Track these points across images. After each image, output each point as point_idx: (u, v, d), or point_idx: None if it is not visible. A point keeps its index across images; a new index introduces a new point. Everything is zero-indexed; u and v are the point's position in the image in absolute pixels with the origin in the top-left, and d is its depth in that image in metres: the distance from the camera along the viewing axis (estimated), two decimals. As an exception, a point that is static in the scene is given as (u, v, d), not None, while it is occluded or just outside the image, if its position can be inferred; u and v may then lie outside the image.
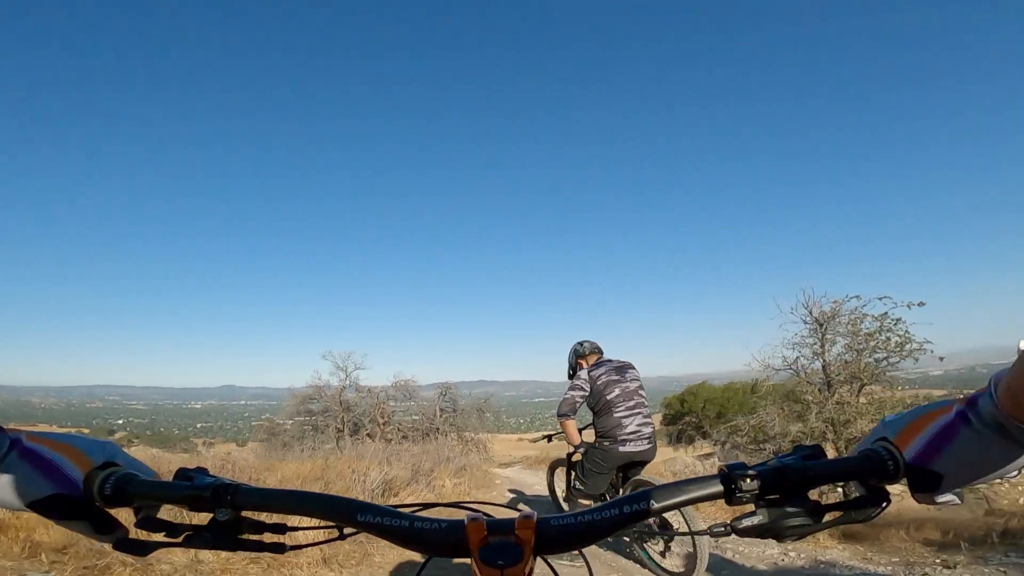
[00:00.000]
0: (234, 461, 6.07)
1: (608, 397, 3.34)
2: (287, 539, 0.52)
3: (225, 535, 0.48)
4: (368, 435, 16.93)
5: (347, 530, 0.50)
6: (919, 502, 0.48)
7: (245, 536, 0.49)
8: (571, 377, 3.79)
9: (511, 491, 7.46)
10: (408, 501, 5.13)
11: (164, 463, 4.94)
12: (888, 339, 6.56)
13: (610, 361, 3.58)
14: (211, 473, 0.51)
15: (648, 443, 3.32)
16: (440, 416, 18.07)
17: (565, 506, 4.33)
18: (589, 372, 3.48)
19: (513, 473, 11.31)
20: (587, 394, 3.43)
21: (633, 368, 3.55)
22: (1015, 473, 0.44)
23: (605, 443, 3.32)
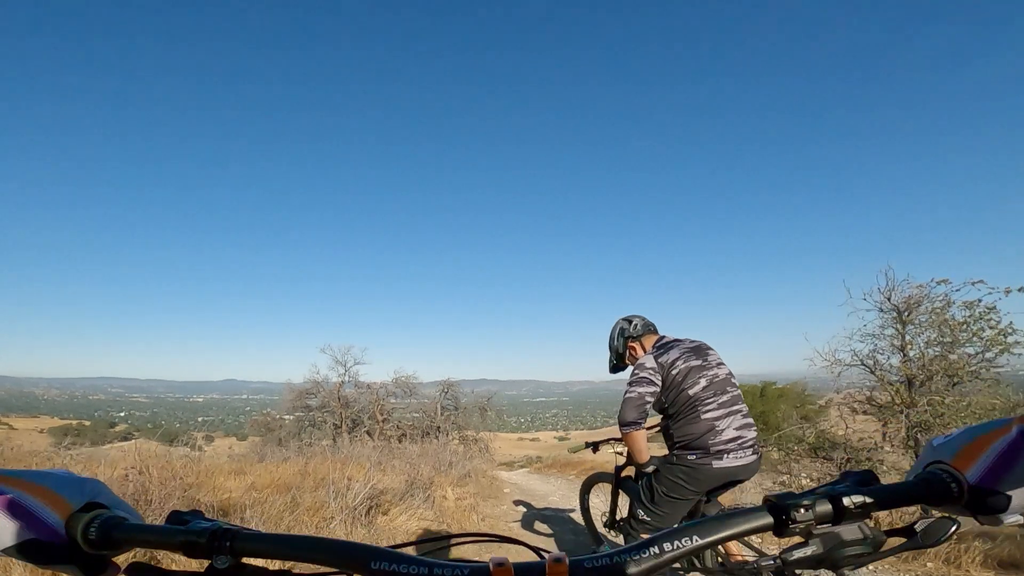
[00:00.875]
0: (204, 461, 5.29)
1: (691, 392, 2.23)
2: None
3: None
4: (367, 432, 16.52)
5: None
6: (983, 524, 0.47)
7: None
8: (616, 367, 2.68)
9: (521, 503, 6.37)
10: (400, 520, 4.18)
11: (162, 460, 3.96)
12: (982, 329, 5.42)
13: (678, 341, 2.43)
14: (206, 517, 0.49)
15: (753, 453, 2.19)
16: (441, 414, 17.57)
17: (608, 535, 3.22)
18: (656, 358, 2.33)
19: (520, 479, 10.29)
20: (659, 390, 2.31)
21: (712, 349, 2.42)
22: None
23: (691, 457, 2.20)
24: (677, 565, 2.37)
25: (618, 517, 3.07)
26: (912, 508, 0.49)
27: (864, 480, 0.47)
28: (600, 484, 3.34)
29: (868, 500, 0.45)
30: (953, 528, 0.47)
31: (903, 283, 5.74)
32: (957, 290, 5.56)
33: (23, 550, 0.45)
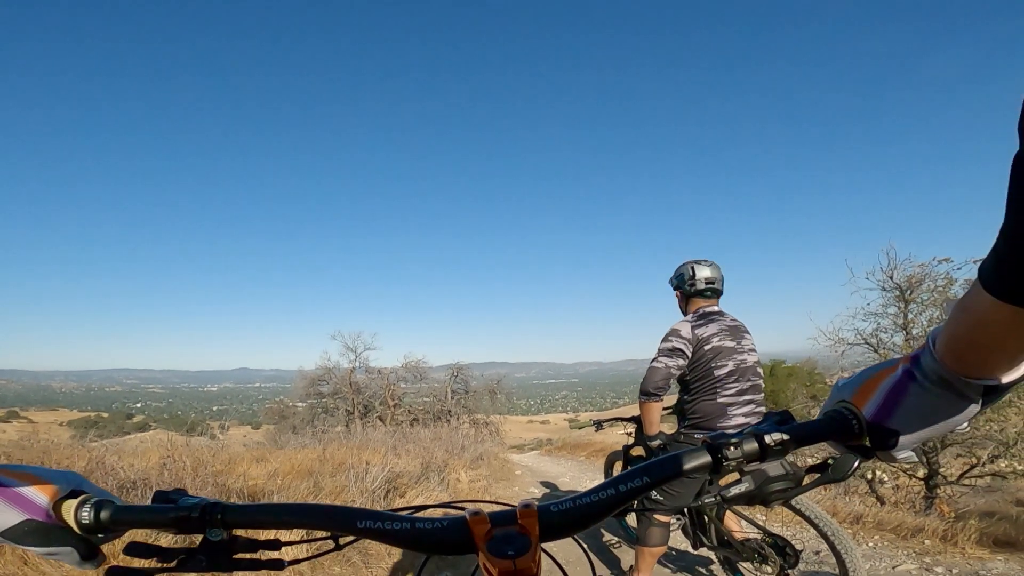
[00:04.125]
0: (228, 449, 5.47)
1: (717, 372, 2.24)
2: (284, 554, 0.36)
3: (220, 556, 0.47)
4: (379, 418, 16.74)
5: (344, 539, 0.50)
6: (881, 460, 0.49)
7: (240, 555, 0.48)
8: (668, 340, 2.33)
9: (532, 484, 6.57)
10: (417, 501, 4.35)
11: (191, 449, 4.15)
12: (984, 306, 5.47)
13: (721, 315, 2.36)
14: (190, 494, 0.50)
15: None
16: (452, 398, 17.73)
17: (631, 521, 3.31)
18: (693, 327, 2.29)
19: (531, 461, 10.48)
20: (687, 363, 2.28)
21: (748, 333, 2.39)
22: (964, 425, 0.45)
23: (698, 436, 2.25)
24: (676, 522, 2.49)
25: None
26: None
27: (783, 420, 0.51)
28: (619, 461, 3.46)
29: (785, 437, 0.48)
30: (856, 463, 0.51)
31: (905, 262, 5.77)
32: (959, 268, 5.60)
33: (19, 533, 0.45)
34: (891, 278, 5.79)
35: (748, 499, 0.52)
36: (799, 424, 0.50)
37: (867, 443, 0.49)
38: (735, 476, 0.50)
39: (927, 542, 3.23)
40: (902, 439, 0.46)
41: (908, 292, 5.74)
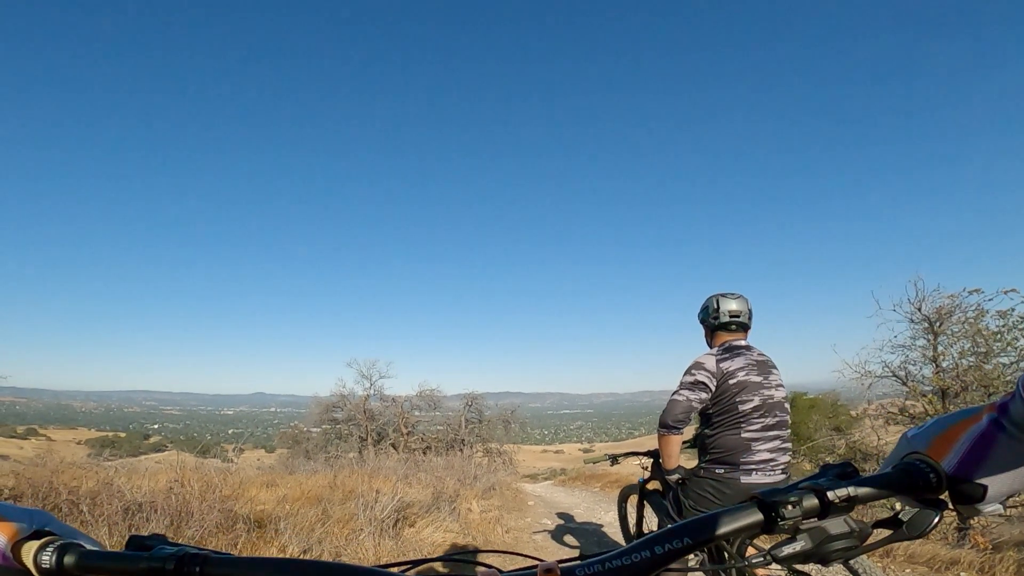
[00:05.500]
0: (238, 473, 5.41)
1: (741, 407, 2.15)
2: None
3: None
4: (392, 445, 16.67)
5: None
6: (963, 514, 0.47)
7: None
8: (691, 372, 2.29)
9: (545, 515, 6.37)
10: (427, 532, 4.24)
11: (200, 472, 4.10)
12: (1016, 339, 5.26)
13: (748, 350, 2.28)
14: (171, 540, 0.45)
15: (783, 475, 2.18)
16: (466, 427, 17.61)
17: None
18: (719, 361, 2.22)
19: (544, 491, 10.26)
20: (709, 396, 2.21)
21: (776, 368, 2.31)
22: None
23: (719, 471, 2.18)
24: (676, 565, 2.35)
25: (645, 529, 3.06)
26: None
27: (844, 473, 0.47)
28: (634, 496, 3.33)
29: (852, 493, 0.44)
30: (936, 519, 0.46)
31: (934, 293, 5.58)
32: (990, 299, 5.39)
33: None
34: (919, 309, 5.61)
35: (804, 559, 0.46)
36: (866, 478, 0.46)
37: (944, 497, 0.46)
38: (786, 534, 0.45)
39: (963, 575, 3.05)
40: (990, 492, 0.44)
41: (937, 324, 5.54)
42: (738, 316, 2.33)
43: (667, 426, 2.23)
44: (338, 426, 17.65)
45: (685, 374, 2.26)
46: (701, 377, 2.20)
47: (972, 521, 5.42)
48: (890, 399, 6.10)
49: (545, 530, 5.33)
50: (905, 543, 3.48)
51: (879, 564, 3.31)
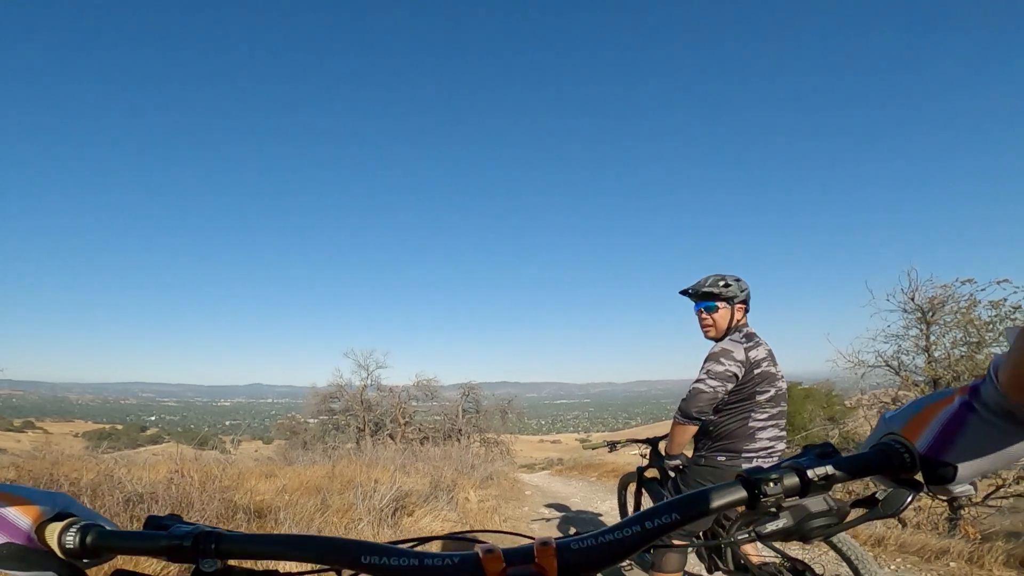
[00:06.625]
0: (237, 464, 5.45)
1: (759, 397, 2.14)
2: None
3: None
4: (389, 435, 16.77)
5: (347, 573, 0.46)
6: (935, 494, 0.48)
7: None
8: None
9: (542, 505, 6.44)
10: (425, 521, 4.28)
11: (199, 463, 4.19)
12: (1009, 329, 5.33)
13: (760, 338, 2.25)
14: (185, 520, 0.47)
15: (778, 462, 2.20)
16: (463, 417, 17.72)
17: None
18: (747, 350, 2.14)
19: (541, 481, 10.34)
20: (734, 387, 2.15)
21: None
22: None
23: (720, 458, 2.20)
24: (680, 542, 2.41)
25: None
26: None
27: (824, 453, 0.48)
28: (633, 483, 3.37)
29: (831, 472, 0.46)
30: (910, 498, 0.48)
31: (926, 283, 5.66)
32: (982, 289, 5.47)
33: None
34: (912, 299, 5.67)
35: (786, 535, 0.48)
36: (845, 458, 0.47)
37: (919, 477, 0.47)
38: (772, 509, 0.47)
39: (952, 564, 3.12)
40: (961, 472, 0.45)
41: (930, 314, 5.61)
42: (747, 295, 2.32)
43: (689, 416, 2.15)
44: (335, 417, 17.75)
45: (714, 362, 2.14)
46: (732, 367, 2.11)
47: (963, 511, 5.52)
48: (883, 389, 6.18)
49: (542, 519, 5.40)
50: (904, 535, 3.56)
51: (871, 553, 3.37)
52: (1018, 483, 5.61)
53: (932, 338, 5.61)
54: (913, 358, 5.75)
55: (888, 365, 5.82)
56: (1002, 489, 5.61)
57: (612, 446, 3.23)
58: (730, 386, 2.13)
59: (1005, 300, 5.40)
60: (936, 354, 5.58)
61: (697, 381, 2.16)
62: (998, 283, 5.39)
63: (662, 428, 3.14)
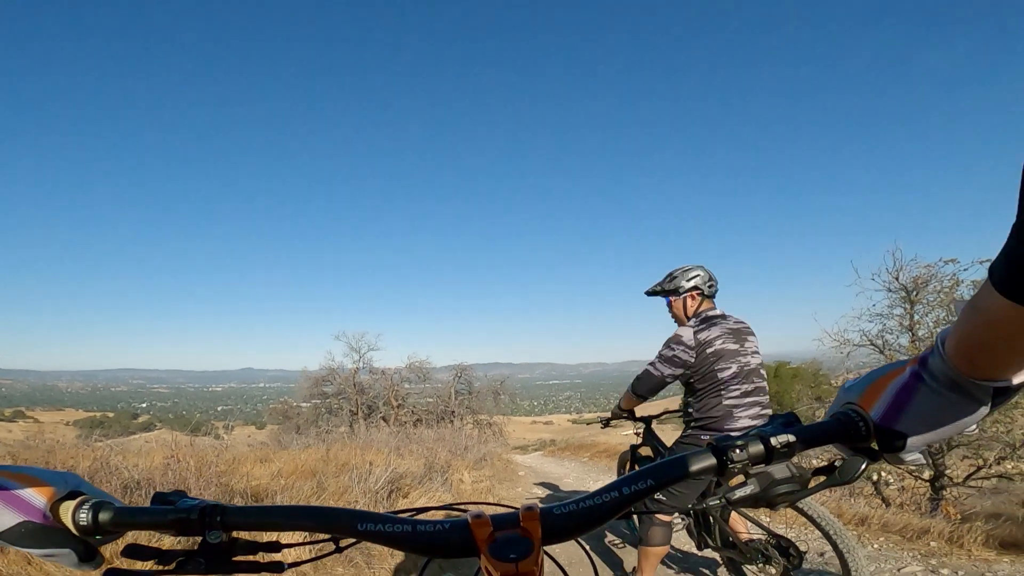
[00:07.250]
0: (231, 450, 5.47)
1: (720, 375, 2.26)
2: (284, 556, 0.32)
3: (219, 558, 0.46)
4: (383, 418, 16.78)
5: (345, 541, 0.49)
6: (889, 463, 0.50)
7: (239, 558, 0.48)
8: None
9: (535, 485, 6.56)
10: (420, 503, 4.35)
11: (195, 449, 4.20)
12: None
13: (724, 318, 2.37)
14: (190, 495, 0.49)
15: None
16: (455, 399, 17.75)
17: (634, 521, 3.32)
18: (696, 333, 2.31)
19: (534, 461, 10.48)
20: (684, 371, 2.32)
21: (753, 335, 2.40)
22: (973, 427, 0.44)
23: (704, 438, 2.27)
24: (680, 522, 2.58)
25: None
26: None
27: (788, 422, 0.51)
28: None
29: (791, 439, 0.48)
30: (864, 465, 0.50)
31: (911, 263, 5.75)
32: (965, 269, 5.57)
33: (15, 535, 0.45)
34: (897, 279, 5.76)
35: (754, 501, 0.52)
36: (805, 426, 0.50)
37: (874, 445, 0.49)
38: (741, 478, 0.51)
39: (933, 544, 3.21)
40: (910, 441, 0.46)
41: (914, 293, 5.71)
42: (710, 280, 2.46)
43: (637, 394, 2.51)
44: (328, 400, 17.64)
45: (665, 347, 2.36)
46: (679, 352, 2.31)
47: (944, 492, 5.68)
48: (868, 367, 6.30)
49: (536, 498, 5.50)
50: (887, 515, 3.66)
51: (855, 532, 3.48)
52: (999, 463, 5.78)
53: (916, 317, 5.72)
54: (897, 337, 5.87)
55: (873, 344, 5.93)
56: (983, 470, 5.77)
57: (606, 423, 3.30)
58: (678, 370, 2.33)
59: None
60: (920, 333, 5.69)
61: (649, 364, 2.43)
62: (981, 263, 5.48)
63: (654, 407, 3.21)
